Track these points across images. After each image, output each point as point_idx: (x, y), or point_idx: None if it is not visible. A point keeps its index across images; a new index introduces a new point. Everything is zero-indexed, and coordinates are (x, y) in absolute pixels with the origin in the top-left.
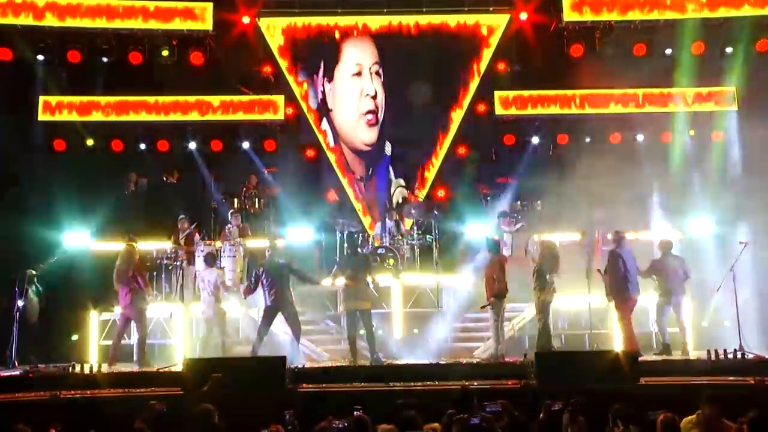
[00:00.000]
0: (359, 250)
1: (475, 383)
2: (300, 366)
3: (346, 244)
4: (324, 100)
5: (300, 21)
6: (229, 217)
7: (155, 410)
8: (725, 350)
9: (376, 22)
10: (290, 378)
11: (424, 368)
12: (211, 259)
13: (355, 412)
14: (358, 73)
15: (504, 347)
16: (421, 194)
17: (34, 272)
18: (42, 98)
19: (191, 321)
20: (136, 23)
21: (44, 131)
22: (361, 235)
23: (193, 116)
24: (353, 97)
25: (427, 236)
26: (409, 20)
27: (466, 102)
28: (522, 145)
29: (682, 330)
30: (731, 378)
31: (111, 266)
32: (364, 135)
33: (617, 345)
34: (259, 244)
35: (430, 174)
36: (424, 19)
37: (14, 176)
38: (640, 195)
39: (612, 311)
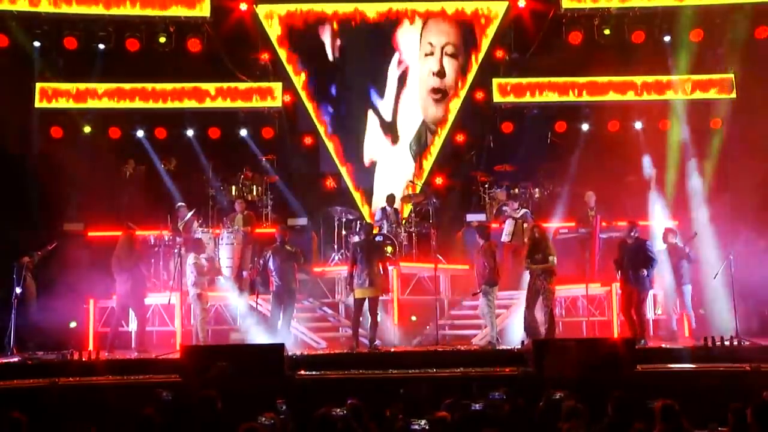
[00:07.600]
0: (373, 236)
1: (473, 370)
2: (297, 353)
3: (360, 231)
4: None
5: (298, 8)
6: (235, 205)
7: (163, 397)
8: (722, 337)
9: (375, 9)
10: (288, 365)
11: (421, 355)
12: (198, 245)
13: (348, 401)
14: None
15: (499, 334)
16: (419, 182)
17: (29, 259)
18: (39, 85)
19: (189, 308)
20: (134, 10)
21: (41, 118)
22: (358, 222)
23: (191, 103)
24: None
25: (425, 223)
26: (407, 8)
27: (464, 90)
28: (520, 133)
29: (685, 317)
30: (727, 365)
31: (109, 253)
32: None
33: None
34: (263, 232)
35: (428, 162)
36: (423, 7)
37: (11, 163)
38: (638, 182)
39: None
